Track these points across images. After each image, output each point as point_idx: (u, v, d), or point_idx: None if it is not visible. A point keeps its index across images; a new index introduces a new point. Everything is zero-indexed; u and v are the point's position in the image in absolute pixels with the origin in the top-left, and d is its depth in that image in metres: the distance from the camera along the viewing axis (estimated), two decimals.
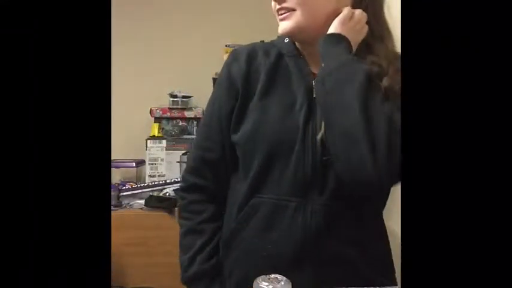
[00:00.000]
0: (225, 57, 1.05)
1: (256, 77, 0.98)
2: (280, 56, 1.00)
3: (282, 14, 0.93)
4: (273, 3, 0.93)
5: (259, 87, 0.96)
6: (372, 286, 0.86)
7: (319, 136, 0.90)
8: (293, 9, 0.91)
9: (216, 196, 1.03)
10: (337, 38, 0.89)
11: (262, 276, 0.69)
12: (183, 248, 1.02)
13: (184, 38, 2.65)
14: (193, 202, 1.03)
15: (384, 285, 0.88)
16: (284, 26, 0.93)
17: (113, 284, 0.69)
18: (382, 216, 1.04)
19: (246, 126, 0.96)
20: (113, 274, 0.81)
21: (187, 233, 1.03)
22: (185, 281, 1.01)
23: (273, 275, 0.69)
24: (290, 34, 0.95)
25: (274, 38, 1.04)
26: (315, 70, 0.96)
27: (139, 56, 2.63)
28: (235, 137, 0.98)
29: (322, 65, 0.88)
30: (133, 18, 2.62)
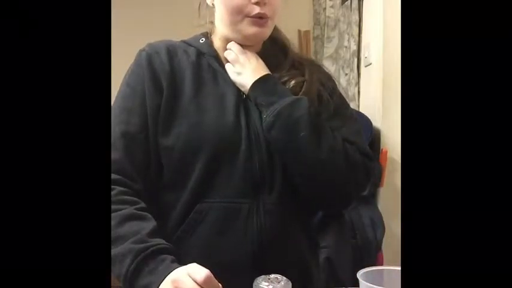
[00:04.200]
0: None
1: (181, 75, 0.94)
2: (200, 55, 0.97)
3: (260, 19, 0.90)
4: (249, 5, 0.90)
5: (187, 86, 0.93)
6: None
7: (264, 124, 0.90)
8: (269, 17, 0.91)
9: (148, 200, 0.89)
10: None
11: (262, 276, 0.69)
12: (120, 237, 0.79)
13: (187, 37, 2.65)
14: (125, 193, 0.86)
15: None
16: (260, 32, 0.92)
17: (113, 284, 0.69)
18: (343, 215, 1.05)
19: (180, 128, 0.89)
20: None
21: (123, 220, 0.81)
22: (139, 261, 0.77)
23: (272, 275, 0.69)
24: (262, 41, 0.96)
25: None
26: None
27: None
28: (166, 141, 0.90)
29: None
30: (134, 17, 2.62)
